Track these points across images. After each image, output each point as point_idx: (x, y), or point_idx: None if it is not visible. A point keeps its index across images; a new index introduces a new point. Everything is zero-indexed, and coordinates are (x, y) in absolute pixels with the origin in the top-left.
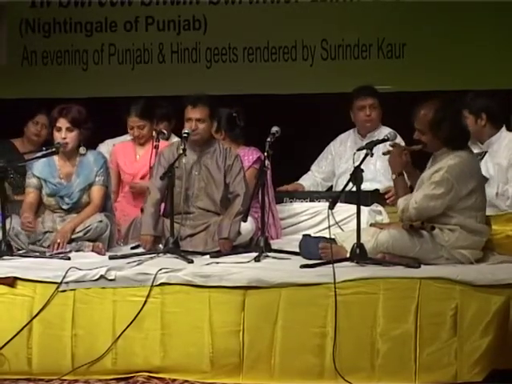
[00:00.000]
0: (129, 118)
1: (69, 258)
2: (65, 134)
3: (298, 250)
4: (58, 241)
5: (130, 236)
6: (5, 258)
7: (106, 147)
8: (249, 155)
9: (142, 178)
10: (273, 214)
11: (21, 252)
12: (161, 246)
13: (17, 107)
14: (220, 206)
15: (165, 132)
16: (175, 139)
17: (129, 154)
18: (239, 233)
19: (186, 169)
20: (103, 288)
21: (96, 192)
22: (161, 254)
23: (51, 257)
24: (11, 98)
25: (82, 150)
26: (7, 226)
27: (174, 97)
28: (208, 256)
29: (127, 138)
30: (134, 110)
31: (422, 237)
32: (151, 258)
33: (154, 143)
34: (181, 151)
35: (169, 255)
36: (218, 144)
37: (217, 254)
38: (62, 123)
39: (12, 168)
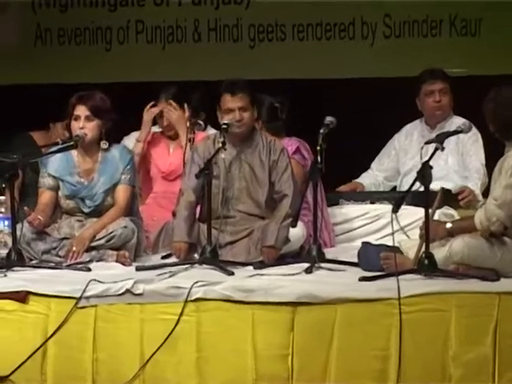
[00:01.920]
0: (158, 105)
1: (89, 270)
2: (83, 123)
3: (355, 260)
4: (74, 249)
5: (161, 244)
6: (15, 269)
7: (131, 141)
8: (287, 146)
9: (176, 178)
10: (324, 217)
11: (33, 262)
12: (196, 255)
13: (32, 93)
14: (264, 208)
15: (201, 123)
16: (211, 131)
17: (161, 148)
18: (287, 240)
19: (225, 166)
20: (129, 304)
21: (121, 193)
22: (196, 265)
23: (68, 268)
24: (23, 83)
25: (103, 144)
26: (18, 233)
27: (212, 82)
28: (251, 267)
29: (155, 129)
30: (164, 97)
31: (503, 244)
32: (185, 269)
33: (188, 135)
34: (219, 145)
35: (205, 266)
36: (261, 136)
37: (261, 265)
38: (81, 111)
39: (27, 165)
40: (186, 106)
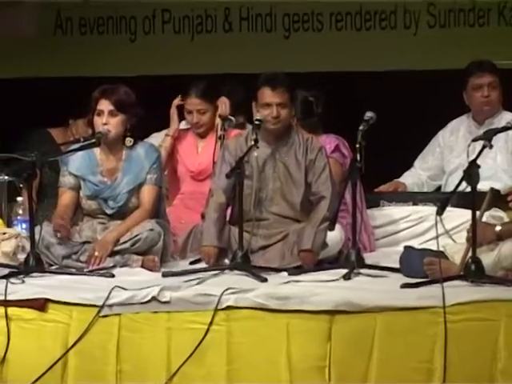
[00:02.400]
0: (187, 100)
1: (112, 276)
2: (107, 118)
3: (397, 265)
4: (97, 254)
5: (189, 248)
6: (34, 275)
7: (159, 139)
8: (326, 144)
9: (205, 178)
10: (364, 220)
11: (53, 268)
12: (227, 260)
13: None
14: (299, 210)
15: (232, 118)
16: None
17: (189, 146)
18: (325, 244)
19: (258, 165)
20: (155, 313)
21: (147, 193)
22: (227, 271)
23: (90, 274)
24: (41, 76)
25: (128, 141)
26: (36, 236)
27: (243, 75)
28: (285, 273)
29: (183, 126)
30: (193, 91)
31: None
32: (215, 275)
33: (219, 132)
34: (251, 142)
35: (237, 272)
36: (298, 134)
37: (297, 271)
38: (104, 105)
39: (45, 164)
40: (216, 101)
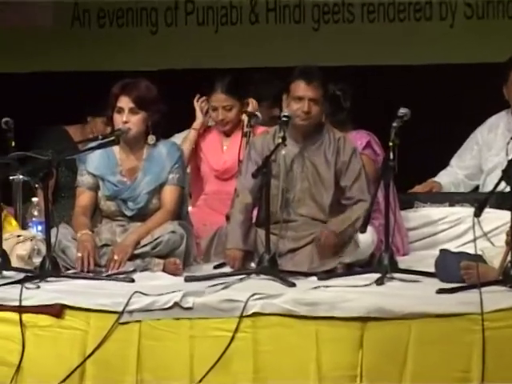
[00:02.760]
0: (212, 95)
1: (132, 280)
2: (127, 116)
3: (432, 269)
4: (116, 257)
5: (213, 251)
6: (49, 279)
7: (181, 139)
8: (356, 140)
9: (230, 177)
10: (397, 221)
11: (70, 272)
12: (253, 264)
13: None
14: (329, 213)
15: (258, 115)
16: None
17: (213, 144)
18: (356, 245)
19: (286, 164)
20: (177, 319)
21: (169, 194)
22: (253, 275)
23: (109, 278)
24: (58, 70)
25: (150, 139)
26: (52, 239)
27: (270, 68)
28: (315, 277)
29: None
30: (218, 86)
31: None
32: (240, 280)
33: (245, 129)
34: (279, 140)
35: (263, 276)
36: (328, 133)
37: (327, 275)
38: (125, 103)
39: (61, 163)
40: (242, 96)
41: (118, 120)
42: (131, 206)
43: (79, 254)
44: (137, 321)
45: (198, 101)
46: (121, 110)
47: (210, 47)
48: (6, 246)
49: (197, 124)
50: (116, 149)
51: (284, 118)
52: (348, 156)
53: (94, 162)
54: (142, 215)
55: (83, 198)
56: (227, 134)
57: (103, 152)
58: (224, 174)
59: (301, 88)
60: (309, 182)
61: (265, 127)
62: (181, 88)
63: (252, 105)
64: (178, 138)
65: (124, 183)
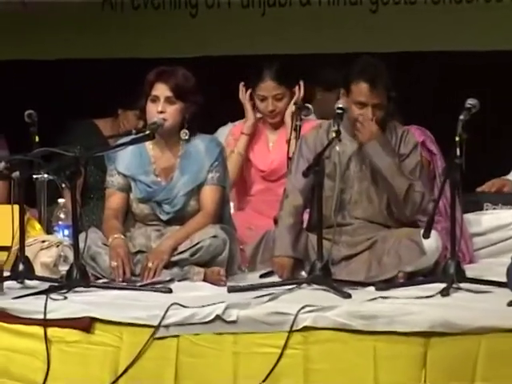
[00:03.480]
0: (258, 84)
1: (170, 291)
2: (163, 106)
3: (503, 279)
4: (150, 265)
5: (259, 259)
6: (78, 290)
7: (226, 133)
8: None
9: (279, 178)
10: (461, 225)
11: (100, 282)
12: (303, 273)
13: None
14: (387, 215)
15: (309, 106)
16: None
17: (259, 140)
18: (420, 252)
19: (342, 162)
20: (220, 334)
21: (209, 195)
22: (303, 285)
23: (144, 289)
24: (86, 57)
25: (183, 134)
26: (81, 245)
27: (321, 55)
28: (372, 288)
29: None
30: (267, 73)
31: None
32: (289, 290)
33: (294, 123)
34: (333, 134)
35: (315, 286)
36: (390, 128)
37: (386, 286)
38: (160, 90)
39: (91, 160)
40: (293, 84)
41: (153, 110)
42: (167, 209)
43: (114, 263)
44: (174, 336)
45: (245, 94)
46: (156, 99)
47: (255, 31)
48: (29, 252)
49: (248, 128)
50: (149, 145)
51: (339, 111)
52: (409, 149)
53: (124, 160)
54: (178, 219)
55: (114, 200)
56: (275, 127)
57: (135, 149)
58: (271, 175)
59: (364, 93)
60: (367, 182)
61: (316, 120)
62: (222, 76)
63: (302, 90)
64: (222, 133)
65: (158, 184)
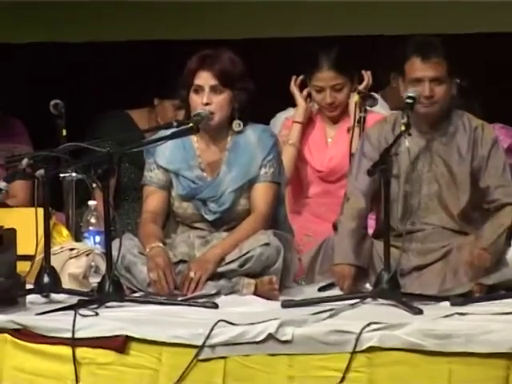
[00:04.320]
0: (314, 73)
1: (215, 306)
2: (208, 96)
3: None
4: (193, 275)
5: (318, 269)
6: (110, 305)
7: (281, 121)
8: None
9: (339, 178)
10: None
11: (136, 295)
12: (368, 285)
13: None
14: (460, 220)
15: (375, 96)
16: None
17: (316, 135)
18: (505, 262)
19: (410, 160)
20: (273, 355)
21: (261, 193)
22: (368, 300)
23: (187, 303)
24: (118, 40)
25: (236, 125)
26: (114, 253)
27: (385, 37)
28: (447, 302)
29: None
30: (324, 60)
31: None
32: (352, 305)
33: (357, 115)
34: (402, 128)
35: (381, 301)
36: (462, 119)
37: (462, 300)
38: (204, 79)
39: (125, 156)
40: (353, 72)
41: (197, 102)
42: (213, 209)
43: (153, 276)
44: (221, 357)
45: (295, 83)
46: (199, 89)
47: (309, 11)
48: (55, 261)
49: (299, 115)
50: (193, 137)
51: (408, 100)
52: (487, 149)
53: (166, 153)
54: (226, 220)
55: (153, 200)
56: (334, 121)
57: (177, 140)
58: (330, 176)
59: (417, 67)
60: (438, 184)
61: (379, 113)
62: (273, 61)
63: (367, 78)
64: (282, 117)
65: (204, 179)
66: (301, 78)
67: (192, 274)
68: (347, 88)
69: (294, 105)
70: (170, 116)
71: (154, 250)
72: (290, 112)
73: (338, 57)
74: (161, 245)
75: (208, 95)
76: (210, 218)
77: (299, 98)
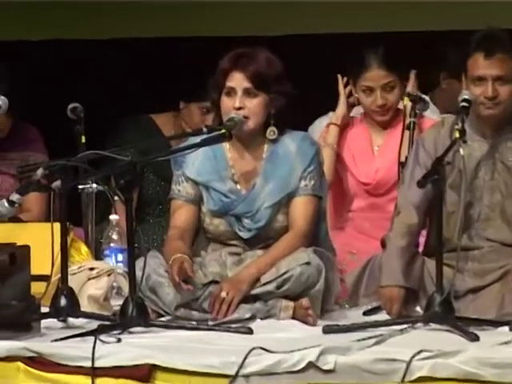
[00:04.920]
0: (364, 73)
1: (250, 331)
2: (241, 100)
3: None
4: (224, 295)
5: (363, 291)
6: (134, 330)
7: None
8: None
9: (387, 191)
10: None
11: (163, 320)
12: (418, 308)
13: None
14: None
15: (426, 99)
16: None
17: (360, 144)
18: None
19: (469, 168)
20: None
21: (301, 208)
22: (419, 324)
23: (218, 328)
24: (142, 36)
25: (270, 132)
26: (138, 273)
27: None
28: (506, 328)
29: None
30: (372, 58)
31: None
32: (401, 331)
33: (408, 120)
34: (456, 135)
35: (433, 326)
36: None
37: None
38: (237, 81)
39: (150, 165)
40: (405, 71)
41: (228, 105)
42: (248, 225)
43: (175, 276)
44: None
45: (343, 84)
46: (232, 92)
47: (353, 6)
48: (73, 282)
49: (338, 117)
50: (225, 145)
51: (463, 103)
52: None
53: (195, 163)
54: (263, 237)
55: (180, 215)
56: (383, 126)
57: (208, 150)
58: (377, 188)
59: (480, 64)
60: (501, 194)
61: (432, 118)
62: (314, 61)
63: (413, 82)
64: (322, 123)
65: (237, 193)
66: (344, 79)
67: (224, 295)
68: (398, 88)
69: (333, 109)
70: (197, 121)
71: (177, 258)
72: (330, 117)
73: (387, 54)
74: (185, 256)
75: (241, 99)
76: (244, 235)
77: (343, 103)
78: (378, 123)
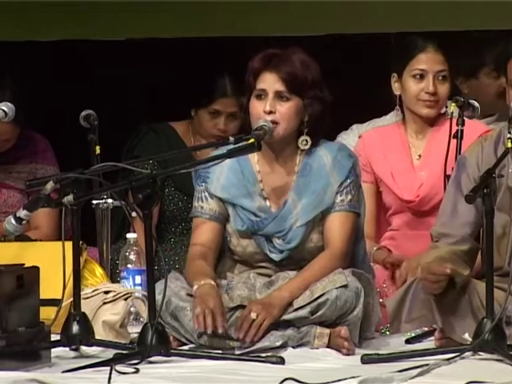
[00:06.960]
0: (418, 55)
1: (281, 361)
2: (272, 104)
3: None
4: (254, 316)
5: (405, 316)
6: (154, 360)
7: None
8: None
9: (432, 208)
10: None
11: (185, 348)
12: (467, 335)
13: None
14: None
15: (476, 104)
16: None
17: (397, 156)
18: None
19: None
20: None
21: (337, 226)
22: (467, 353)
23: (246, 358)
24: (162, 36)
25: (302, 141)
26: (158, 297)
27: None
28: None
29: (392, 119)
30: (429, 41)
31: None
32: (447, 360)
33: (453, 128)
34: (508, 145)
35: (483, 355)
36: None
37: None
38: (268, 82)
39: (170, 179)
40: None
41: (258, 109)
42: (280, 246)
43: (197, 310)
44: None
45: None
46: (262, 95)
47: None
48: (87, 307)
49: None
50: (253, 158)
51: None
52: None
53: (220, 179)
54: (296, 259)
55: (203, 232)
56: (428, 123)
57: (234, 163)
58: (421, 206)
59: None
60: None
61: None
62: (356, 62)
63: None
64: (354, 133)
65: (267, 210)
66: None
67: (254, 316)
68: (449, 83)
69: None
70: (207, 126)
71: (202, 287)
72: (365, 126)
73: (443, 41)
74: (212, 282)
75: (272, 102)
76: (275, 257)
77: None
78: (422, 119)
